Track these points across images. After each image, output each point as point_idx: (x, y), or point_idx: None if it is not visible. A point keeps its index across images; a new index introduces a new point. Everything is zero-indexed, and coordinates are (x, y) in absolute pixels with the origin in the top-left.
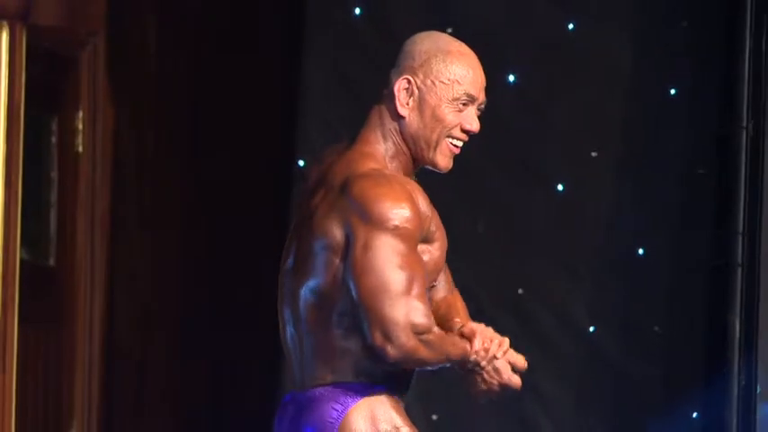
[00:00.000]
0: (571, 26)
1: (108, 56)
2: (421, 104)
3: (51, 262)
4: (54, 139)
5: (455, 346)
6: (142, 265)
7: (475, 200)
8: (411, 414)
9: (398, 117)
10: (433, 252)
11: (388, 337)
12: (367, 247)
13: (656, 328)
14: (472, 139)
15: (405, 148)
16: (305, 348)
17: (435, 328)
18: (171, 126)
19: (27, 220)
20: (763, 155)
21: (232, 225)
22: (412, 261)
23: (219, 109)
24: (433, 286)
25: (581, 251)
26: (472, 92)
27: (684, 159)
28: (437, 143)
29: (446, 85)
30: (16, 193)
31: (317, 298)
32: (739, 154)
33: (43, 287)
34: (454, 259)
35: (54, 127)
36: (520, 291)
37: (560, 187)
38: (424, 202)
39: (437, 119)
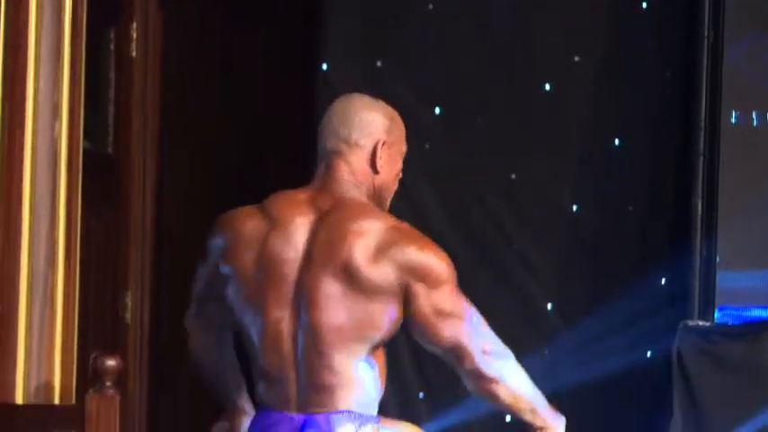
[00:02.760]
0: None
1: None
2: (389, 161)
3: (110, 150)
4: (112, 47)
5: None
6: (186, 152)
7: (477, 94)
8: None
9: (375, 172)
10: None
11: (488, 364)
12: (445, 300)
13: (630, 208)
14: (473, 52)
15: (373, 196)
16: (313, 372)
17: None
18: (206, 35)
19: (89, 113)
20: (722, 59)
21: (264, 113)
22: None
23: (252, 17)
24: None
25: (566, 142)
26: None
27: (655, 64)
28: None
29: (401, 145)
30: (79, 90)
31: (354, 332)
32: (700, 59)
33: (102, 173)
34: (457, 151)
35: (112, 36)
36: (513, 176)
37: (547, 87)
38: None
39: (398, 173)
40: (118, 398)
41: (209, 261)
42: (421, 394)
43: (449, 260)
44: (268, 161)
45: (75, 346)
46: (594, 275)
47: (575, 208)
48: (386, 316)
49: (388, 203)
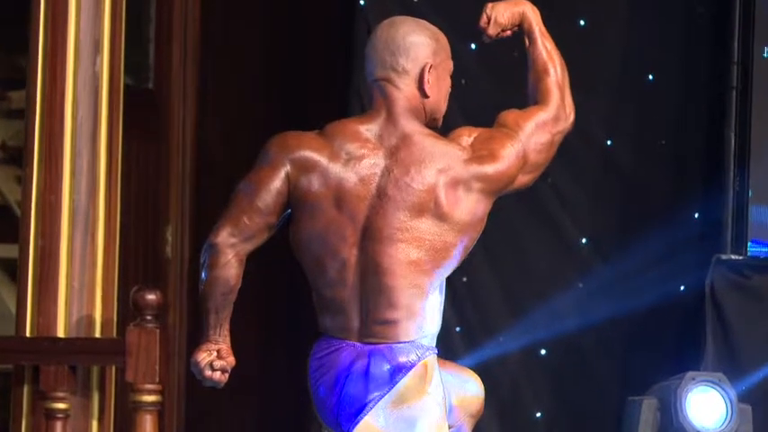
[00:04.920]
0: None
1: None
2: (437, 83)
3: (150, 86)
4: None
5: None
6: (227, 88)
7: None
8: None
9: (424, 96)
10: None
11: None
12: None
13: (663, 142)
14: None
15: (426, 120)
16: (378, 307)
17: None
18: None
19: (130, 49)
20: None
21: (303, 47)
22: None
23: None
24: None
25: (600, 77)
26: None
27: (687, 1)
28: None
29: (447, 63)
30: (120, 26)
31: (426, 267)
32: None
33: (143, 108)
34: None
35: None
36: None
37: (582, 22)
38: None
39: (447, 91)
40: (158, 331)
41: (278, 172)
42: (457, 328)
43: (506, 144)
44: (307, 94)
45: (116, 280)
46: (628, 210)
47: (609, 143)
48: (461, 245)
49: (440, 121)
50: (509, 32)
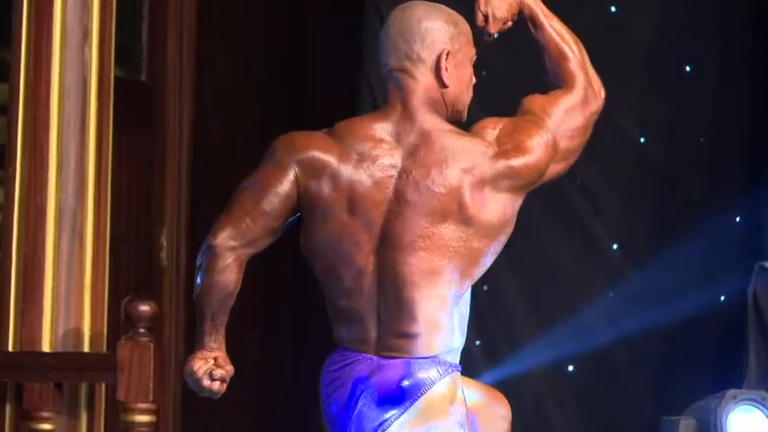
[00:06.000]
0: None
1: None
2: (457, 72)
3: (143, 77)
4: None
5: None
6: (227, 80)
7: None
8: None
9: (443, 86)
10: None
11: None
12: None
13: (702, 140)
14: None
15: (447, 112)
16: (398, 319)
17: None
18: None
19: (121, 38)
20: None
21: (309, 35)
22: None
23: None
24: None
25: (633, 68)
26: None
27: None
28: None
29: (467, 49)
30: (111, 13)
31: (451, 276)
32: None
33: (136, 101)
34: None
35: None
36: None
37: (613, 9)
38: None
39: (470, 80)
40: (152, 346)
41: (286, 174)
42: (477, 342)
43: (535, 134)
44: (316, 87)
45: (107, 290)
46: (663, 213)
47: (642, 140)
48: (490, 250)
49: (464, 114)
50: (510, 23)
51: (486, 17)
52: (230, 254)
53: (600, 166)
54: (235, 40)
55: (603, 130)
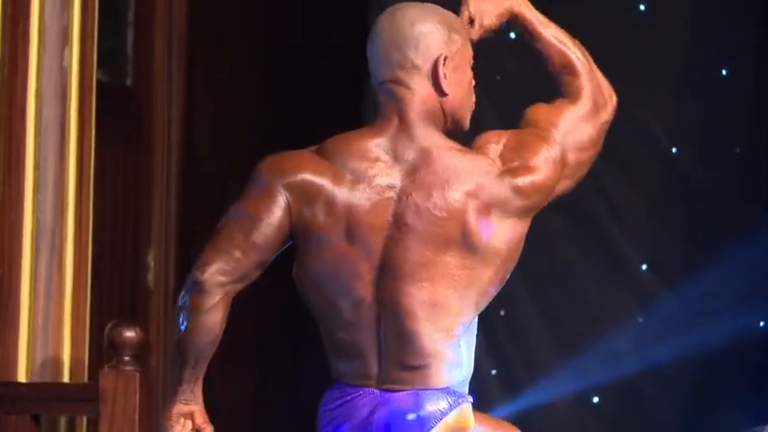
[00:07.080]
0: None
1: None
2: (456, 77)
3: (129, 82)
4: None
5: None
6: (219, 85)
7: (560, 16)
8: None
9: (441, 94)
10: None
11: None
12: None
13: (738, 150)
14: None
15: (446, 123)
16: (402, 352)
17: None
18: None
19: (104, 39)
20: None
21: (306, 38)
22: None
23: None
24: None
25: (665, 72)
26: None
27: None
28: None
29: (465, 51)
30: (93, 12)
31: (458, 306)
32: None
33: (120, 108)
34: (531, 82)
35: None
36: None
37: (642, 7)
38: None
39: (470, 84)
40: (138, 375)
41: (277, 202)
42: (493, 371)
43: (543, 145)
44: (314, 91)
45: (88, 314)
46: (696, 230)
47: (674, 150)
48: (497, 278)
49: (467, 122)
50: (492, 32)
51: (471, 21)
52: (219, 290)
53: (628, 179)
54: (229, 40)
55: (631, 140)
